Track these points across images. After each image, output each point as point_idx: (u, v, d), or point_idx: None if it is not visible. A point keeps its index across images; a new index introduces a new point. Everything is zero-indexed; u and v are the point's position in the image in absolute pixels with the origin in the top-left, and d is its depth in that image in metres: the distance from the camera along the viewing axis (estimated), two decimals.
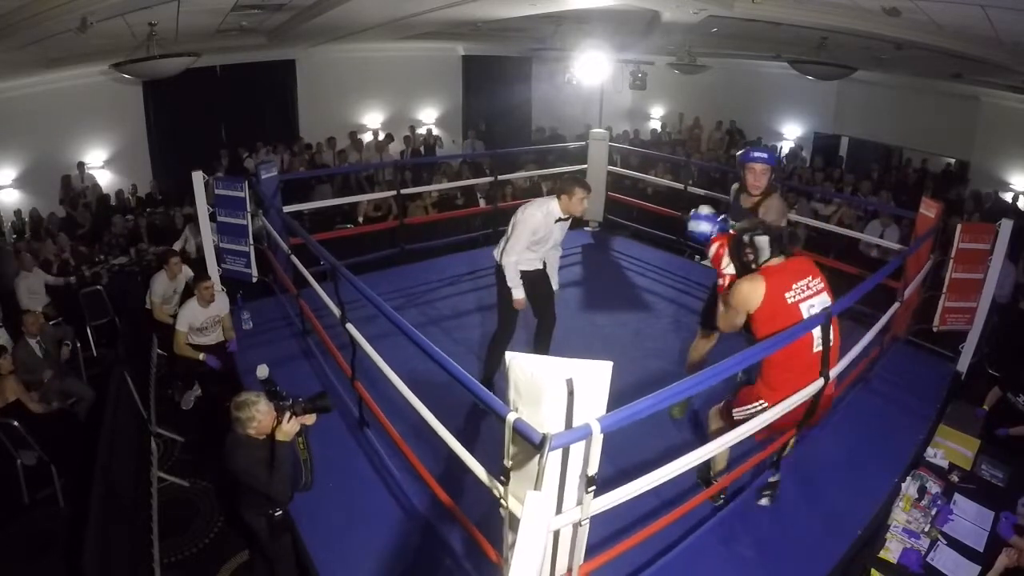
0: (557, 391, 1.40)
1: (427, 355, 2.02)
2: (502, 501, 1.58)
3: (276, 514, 2.47)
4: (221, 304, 4.22)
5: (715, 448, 2.13)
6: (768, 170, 3.12)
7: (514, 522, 1.49)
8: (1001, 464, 3.17)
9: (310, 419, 2.42)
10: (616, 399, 1.55)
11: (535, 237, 3.32)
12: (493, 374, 3.43)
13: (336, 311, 3.10)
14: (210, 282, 4.14)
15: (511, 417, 1.45)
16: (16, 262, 5.78)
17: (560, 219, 3.38)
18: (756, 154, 3.14)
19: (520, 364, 1.47)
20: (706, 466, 2.72)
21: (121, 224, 7.23)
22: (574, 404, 1.41)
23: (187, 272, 4.78)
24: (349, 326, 2.97)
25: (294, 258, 3.87)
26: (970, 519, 2.77)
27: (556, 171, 7.27)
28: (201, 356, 4.12)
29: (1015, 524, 2.71)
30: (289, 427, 2.32)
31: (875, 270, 3.24)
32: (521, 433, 1.42)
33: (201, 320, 4.10)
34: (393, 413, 2.92)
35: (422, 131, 11.10)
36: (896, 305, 3.33)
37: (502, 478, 1.55)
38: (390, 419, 2.87)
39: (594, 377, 1.45)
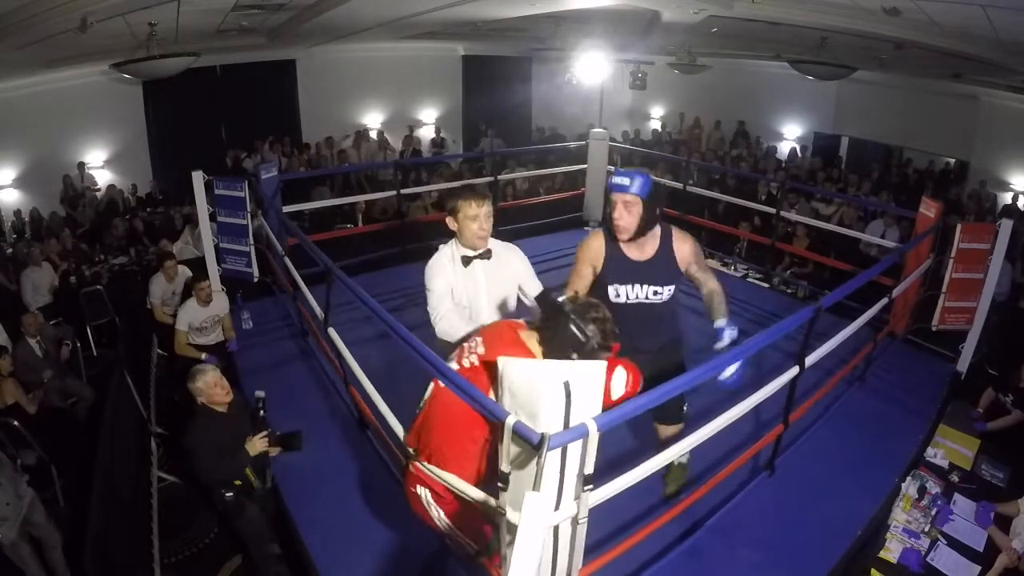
0: (554, 395, 1.40)
1: (421, 357, 2.00)
2: (499, 508, 1.58)
3: (227, 495, 2.64)
4: (221, 304, 4.22)
5: (697, 439, 2.13)
6: (632, 204, 2.14)
7: (512, 527, 1.48)
8: (1001, 464, 3.18)
9: (274, 450, 2.74)
10: None
11: (454, 298, 2.32)
12: None
13: (320, 315, 3.05)
14: (206, 282, 4.13)
15: (510, 420, 1.45)
16: (31, 261, 5.83)
17: (468, 257, 2.32)
18: (616, 179, 2.16)
19: (514, 369, 1.47)
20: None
21: (123, 226, 7.24)
22: (571, 406, 1.41)
23: (185, 272, 4.77)
24: (331, 331, 2.93)
25: (287, 260, 3.85)
26: (970, 519, 2.77)
27: (556, 171, 7.29)
28: (203, 356, 4.12)
29: (994, 512, 2.73)
30: (256, 444, 2.67)
31: None
32: (520, 435, 1.43)
33: (201, 320, 4.10)
34: (384, 417, 2.91)
35: (426, 132, 11.12)
36: (884, 301, 3.31)
37: (500, 484, 1.55)
38: (381, 422, 2.86)
39: (589, 378, 1.45)
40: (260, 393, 2.85)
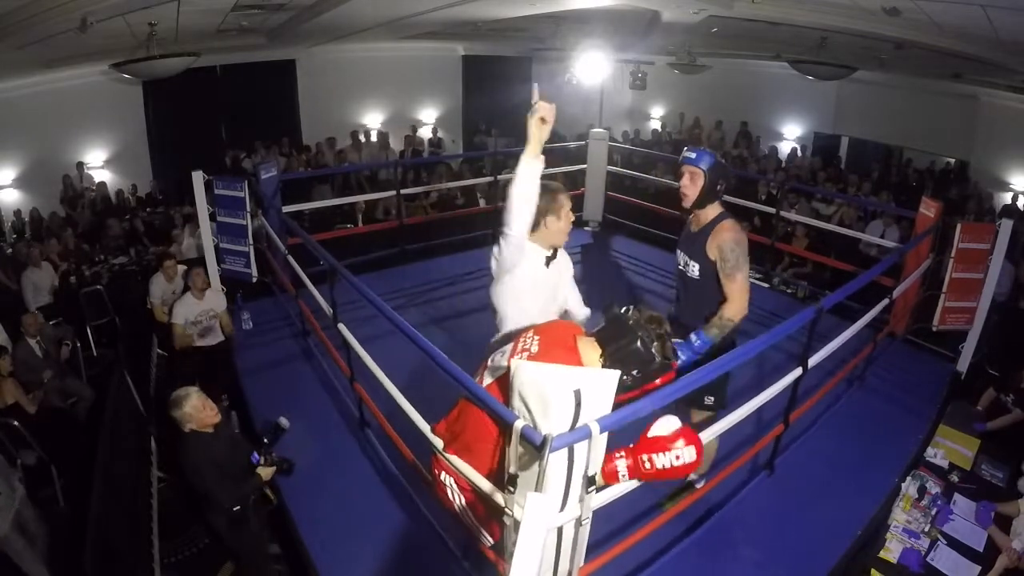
0: (564, 400, 1.40)
1: (431, 359, 2.01)
2: (507, 509, 1.57)
3: (235, 509, 2.58)
4: (217, 299, 4.21)
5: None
6: (696, 175, 2.34)
7: (517, 527, 1.48)
8: (1001, 464, 3.18)
9: (267, 473, 2.69)
10: None
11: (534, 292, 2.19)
12: None
13: (329, 311, 3.08)
14: (201, 269, 4.16)
15: (519, 424, 1.45)
16: (31, 261, 5.84)
17: (549, 258, 2.24)
18: (687, 153, 2.40)
19: (526, 372, 1.46)
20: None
21: (117, 227, 7.24)
22: (580, 413, 1.41)
23: (184, 271, 4.77)
24: (341, 326, 2.95)
25: (291, 258, 3.86)
26: (970, 519, 2.77)
27: (556, 171, 7.28)
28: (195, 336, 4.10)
29: (994, 512, 2.73)
30: (264, 471, 2.64)
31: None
32: (525, 437, 1.43)
33: (196, 313, 4.09)
34: (393, 413, 2.92)
35: (426, 132, 11.12)
36: (885, 302, 3.31)
37: (509, 488, 1.54)
38: (390, 419, 2.87)
39: (601, 385, 1.44)
40: (285, 423, 2.77)
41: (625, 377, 1.58)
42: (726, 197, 2.46)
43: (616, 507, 1.87)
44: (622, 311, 1.66)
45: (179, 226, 7.05)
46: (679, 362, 2.05)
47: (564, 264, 2.32)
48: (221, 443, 2.66)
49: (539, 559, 1.17)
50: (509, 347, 1.74)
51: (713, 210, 2.40)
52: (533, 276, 2.16)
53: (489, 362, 1.80)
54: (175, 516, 3.59)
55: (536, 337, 1.69)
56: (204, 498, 2.60)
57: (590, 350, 1.65)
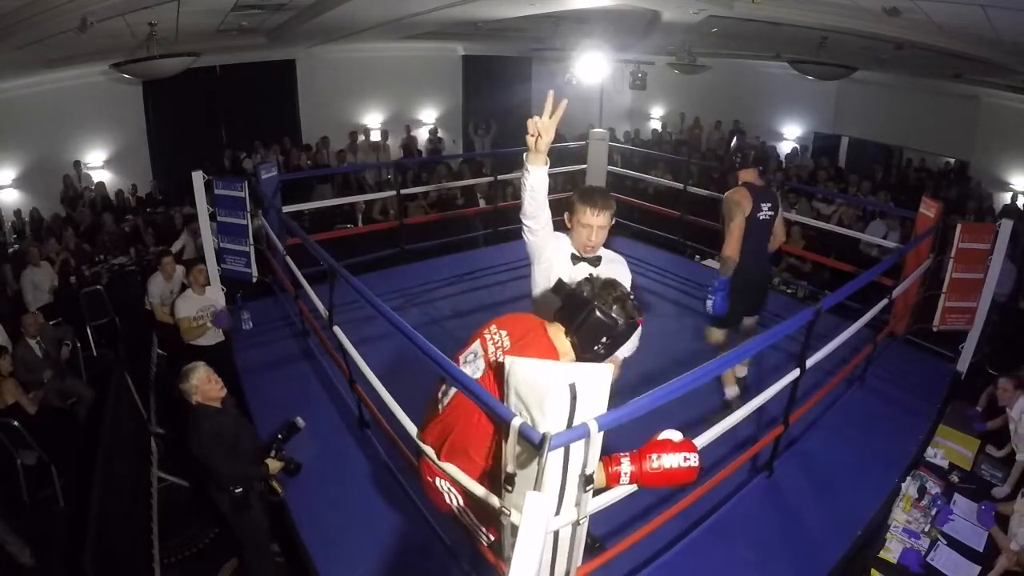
0: (560, 396, 1.39)
1: (430, 359, 2.00)
2: (503, 509, 1.57)
3: (236, 491, 2.63)
4: (217, 295, 4.23)
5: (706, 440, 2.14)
6: None
7: (515, 529, 1.48)
8: (1001, 464, 3.18)
9: (275, 466, 2.78)
10: (616, 397, 1.55)
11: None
12: None
13: (324, 313, 3.07)
14: (202, 265, 4.18)
15: (516, 422, 1.45)
16: (30, 261, 5.85)
17: (576, 256, 2.23)
18: None
19: (521, 369, 1.46)
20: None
21: (111, 224, 7.23)
22: (576, 409, 1.41)
23: (182, 271, 4.78)
24: (336, 329, 2.94)
25: (288, 259, 3.86)
26: (970, 519, 2.77)
27: (556, 171, 7.27)
28: (209, 324, 4.12)
29: (995, 511, 2.73)
30: (273, 464, 2.76)
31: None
32: (523, 435, 1.43)
33: (197, 309, 4.10)
34: (392, 414, 2.91)
35: (423, 132, 11.13)
36: (884, 302, 3.31)
37: (507, 487, 1.54)
38: (388, 420, 2.87)
39: (595, 381, 1.45)
40: (300, 422, 2.85)
41: (598, 348, 1.62)
42: None
43: (615, 506, 1.87)
44: (575, 286, 1.67)
45: (179, 227, 7.06)
46: (711, 306, 2.93)
47: (604, 272, 2.13)
48: (227, 419, 2.72)
49: (538, 560, 1.17)
50: (476, 346, 1.73)
51: (739, 178, 3.15)
52: (557, 270, 2.19)
53: (461, 361, 1.77)
54: (175, 516, 3.60)
55: (502, 331, 1.69)
56: (209, 475, 2.64)
57: (560, 335, 1.66)
